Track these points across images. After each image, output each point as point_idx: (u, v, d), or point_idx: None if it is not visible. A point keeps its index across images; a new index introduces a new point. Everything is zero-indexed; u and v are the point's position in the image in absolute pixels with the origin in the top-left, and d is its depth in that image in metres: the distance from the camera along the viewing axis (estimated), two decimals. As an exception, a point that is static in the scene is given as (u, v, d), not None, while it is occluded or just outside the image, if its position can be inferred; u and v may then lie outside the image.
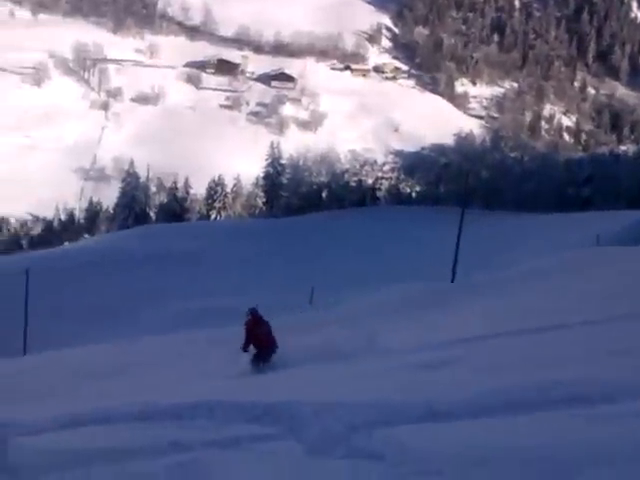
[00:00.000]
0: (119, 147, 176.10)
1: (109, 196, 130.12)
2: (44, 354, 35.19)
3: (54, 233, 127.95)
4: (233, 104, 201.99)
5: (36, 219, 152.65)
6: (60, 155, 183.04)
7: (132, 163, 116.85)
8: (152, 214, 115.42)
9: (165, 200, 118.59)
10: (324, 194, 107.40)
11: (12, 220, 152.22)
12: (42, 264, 70.27)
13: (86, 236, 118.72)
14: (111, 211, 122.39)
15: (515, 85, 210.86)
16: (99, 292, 68.88)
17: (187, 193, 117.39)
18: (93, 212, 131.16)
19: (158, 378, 21.01)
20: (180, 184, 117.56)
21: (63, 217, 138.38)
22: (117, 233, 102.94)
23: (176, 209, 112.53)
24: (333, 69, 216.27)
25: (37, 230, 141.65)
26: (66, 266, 76.85)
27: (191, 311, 56.61)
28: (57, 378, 24.56)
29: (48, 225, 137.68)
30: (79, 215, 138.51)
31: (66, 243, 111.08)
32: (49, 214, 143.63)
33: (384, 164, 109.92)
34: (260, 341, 18.15)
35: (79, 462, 8.52)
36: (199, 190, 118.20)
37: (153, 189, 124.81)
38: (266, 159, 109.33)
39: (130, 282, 71.76)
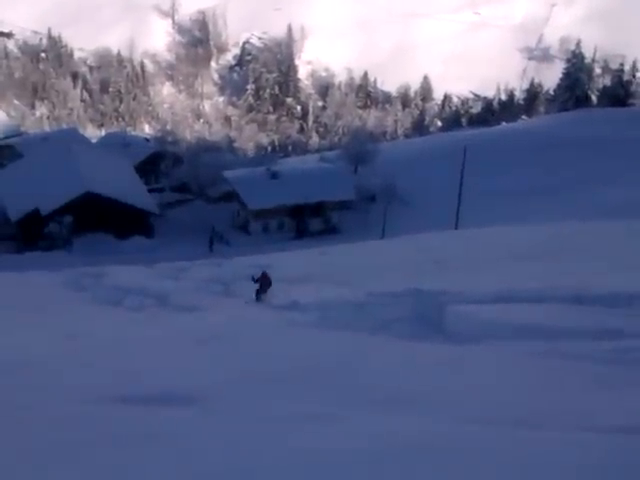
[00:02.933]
0: (567, 26, 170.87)
1: (551, 77, 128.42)
2: (472, 230, 37.81)
3: (492, 112, 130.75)
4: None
5: (477, 98, 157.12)
6: (506, 33, 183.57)
7: (579, 43, 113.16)
8: (594, 97, 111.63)
9: (609, 83, 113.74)
10: None
11: (454, 98, 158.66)
12: (478, 142, 73.01)
13: (524, 117, 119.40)
14: (551, 93, 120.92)
15: None
16: (531, 174, 69.93)
17: (633, 77, 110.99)
18: (533, 93, 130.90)
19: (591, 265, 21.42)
20: (627, 67, 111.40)
21: (503, 97, 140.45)
22: (555, 115, 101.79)
23: (620, 93, 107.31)
24: None
25: (477, 108, 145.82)
26: (501, 146, 79.04)
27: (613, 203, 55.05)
28: (485, 254, 26.55)
29: (488, 104, 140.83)
30: (519, 95, 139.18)
31: (503, 123, 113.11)
32: (490, 93, 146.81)
33: None
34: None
35: (512, 334, 10.01)
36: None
37: (597, 71, 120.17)
38: None
39: (560, 166, 71.49)
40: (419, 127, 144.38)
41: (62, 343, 10.37)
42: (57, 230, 56.64)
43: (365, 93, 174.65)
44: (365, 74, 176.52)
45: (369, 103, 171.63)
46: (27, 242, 58.29)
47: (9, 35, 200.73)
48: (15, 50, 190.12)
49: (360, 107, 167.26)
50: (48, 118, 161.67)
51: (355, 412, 5.68)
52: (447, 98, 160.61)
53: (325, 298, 16.12)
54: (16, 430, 5.05)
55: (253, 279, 21.44)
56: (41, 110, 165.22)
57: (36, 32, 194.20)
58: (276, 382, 6.79)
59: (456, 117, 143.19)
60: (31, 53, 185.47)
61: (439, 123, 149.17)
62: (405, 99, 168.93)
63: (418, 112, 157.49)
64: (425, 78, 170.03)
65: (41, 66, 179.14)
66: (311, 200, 64.20)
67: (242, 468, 4.15)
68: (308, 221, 65.17)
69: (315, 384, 6.73)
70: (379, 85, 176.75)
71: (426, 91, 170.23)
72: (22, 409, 5.65)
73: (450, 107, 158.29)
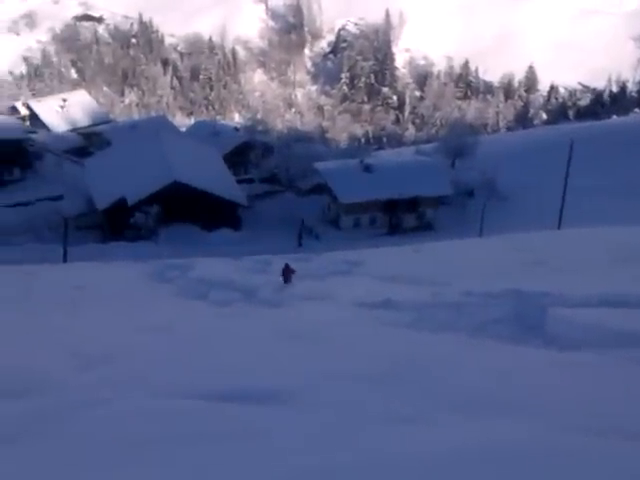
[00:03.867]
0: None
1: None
2: (575, 230, 36.95)
3: (602, 105, 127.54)
4: None
5: (586, 89, 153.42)
6: (619, 20, 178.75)
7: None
8: None
9: None
10: None
11: (561, 89, 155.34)
12: (586, 137, 71.34)
13: (637, 110, 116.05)
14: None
15: None
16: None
17: None
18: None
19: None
20: None
21: (614, 88, 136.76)
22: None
23: None
24: None
25: (585, 101, 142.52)
26: (611, 141, 76.98)
27: None
28: (587, 255, 25.92)
29: (597, 96, 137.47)
30: (632, 87, 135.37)
31: (614, 116, 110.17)
32: (600, 84, 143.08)
33: None
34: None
35: (615, 341, 9.73)
36: None
37: None
38: None
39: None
40: (522, 119, 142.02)
41: (145, 337, 10.57)
42: (143, 220, 57.86)
43: (465, 83, 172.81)
44: (466, 63, 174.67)
45: (469, 93, 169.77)
46: (113, 232, 59.81)
47: (100, 20, 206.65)
48: (105, 35, 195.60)
49: (460, 98, 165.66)
50: (137, 105, 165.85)
51: (450, 416, 5.65)
52: (553, 89, 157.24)
53: (419, 297, 15.99)
54: (98, 425, 5.13)
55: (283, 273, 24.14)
56: (130, 97, 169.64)
57: (127, 17, 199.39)
58: (369, 382, 6.76)
59: (563, 109, 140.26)
60: (121, 39, 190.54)
61: (544, 116, 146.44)
62: (508, 89, 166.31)
63: (522, 103, 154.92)
64: (530, 67, 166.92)
65: (131, 52, 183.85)
66: (405, 195, 63.82)
67: (335, 468, 4.13)
68: (402, 217, 64.83)
69: (410, 386, 6.68)
70: (480, 74, 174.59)
71: (531, 81, 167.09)
72: (104, 404, 5.75)
73: (556, 99, 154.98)
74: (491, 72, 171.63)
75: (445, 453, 4.43)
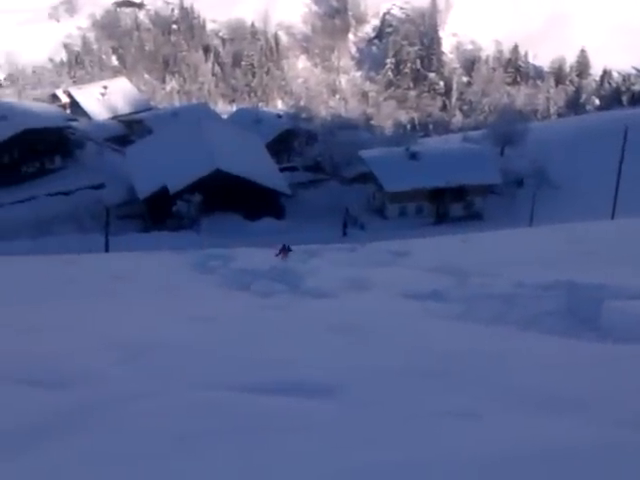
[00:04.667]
0: None
1: None
2: (630, 220, 36.37)
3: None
4: None
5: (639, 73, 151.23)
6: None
7: None
8: None
9: None
10: None
11: (615, 74, 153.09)
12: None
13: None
14: None
15: None
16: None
17: None
18: None
19: None
20: None
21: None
22: None
23: None
24: None
25: (639, 85, 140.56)
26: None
27: None
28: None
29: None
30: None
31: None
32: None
33: None
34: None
35: None
36: None
37: None
38: None
39: None
40: (574, 105, 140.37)
41: (188, 328, 10.61)
42: (185, 209, 58.33)
43: (514, 68, 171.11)
44: (515, 47, 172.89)
45: (519, 79, 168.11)
46: (154, 221, 60.38)
47: (140, 6, 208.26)
48: (146, 21, 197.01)
49: (509, 83, 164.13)
50: (178, 92, 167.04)
51: (506, 412, 5.59)
52: (607, 73, 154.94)
53: (468, 288, 15.85)
54: (144, 417, 5.13)
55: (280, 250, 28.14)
56: (171, 84, 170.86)
57: (168, 2, 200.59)
58: (420, 377, 6.69)
59: (616, 95, 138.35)
60: (162, 25, 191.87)
61: (597, 101, 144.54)
62: (559, 74, 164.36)
63: (573, 89, 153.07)
64: (582, 51, 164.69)
65: (172, 38, 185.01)
66: (453, 183, 63.51)
67: (387, 465, 4.09)
68: (449, 206, 64.56)
69: (461, 381, 6.60)
70: (530, 59, 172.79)
71: (583, 66, 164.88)
72: (148, 396, 5.76)
73: (610, 84, 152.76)
74: (541, 56, 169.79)
75: (501, 451, 4.37)
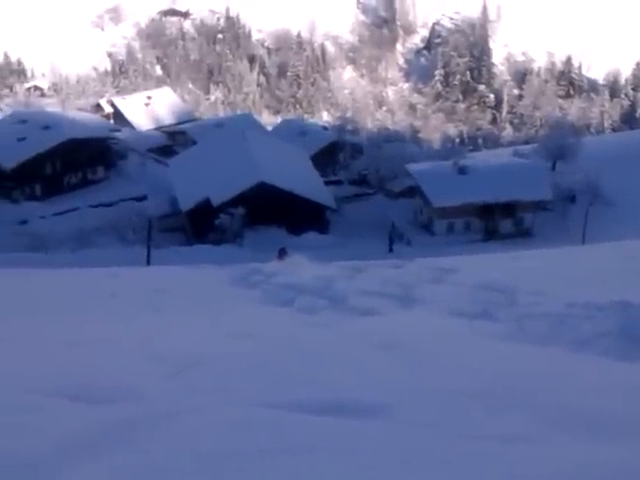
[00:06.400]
0: None
1: None
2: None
3: None
4: None
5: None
6: None
7: None
8: None
9: None
10: None
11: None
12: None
13: None
14: None
15: None
16: None
17: None
18: None
19: None
20: None
21: None
22: None
23: None
24: None
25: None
26: None
27: None
28: None
29: None
30: None
31: None
32: None
33: None
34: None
35: None
36: None
37: None
38: None
39: None
40: (629, 119, 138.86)
41: (230, 344, 10.69)
42: (228, 222, 58.63)
43: (567, 80, 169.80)
44: (568, 59, 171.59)
45: (572, 92, 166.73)
46: (197, 234, 60.82)
47: (186, 15, 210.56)
48: (192, 30, 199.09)
49: (561, 96, 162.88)
50: (223, 103, 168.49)
51: (559, 436, 5.55)
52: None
53: (518, 307, 15.76)
54: (188, 435, 5.19)
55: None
56: (216, 94, 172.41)
57: (213, 11, 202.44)
58: (469, 398, 6.68)
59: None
60: (207, 34, 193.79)
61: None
62: (614, 87, 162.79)
63: (629, 102, 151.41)
64: (638, 64, 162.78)
65: (217, 48, 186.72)
66: (502, 199, 63.14)
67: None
68: (498, 222, 64.12)
69: (512, 403, 6.57)
70: (584, 71, 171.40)
71: (638, 79, 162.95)
72: (194, 412, 5.82)
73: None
74: (596, 69, 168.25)
75: (555, 476, 4.34)
